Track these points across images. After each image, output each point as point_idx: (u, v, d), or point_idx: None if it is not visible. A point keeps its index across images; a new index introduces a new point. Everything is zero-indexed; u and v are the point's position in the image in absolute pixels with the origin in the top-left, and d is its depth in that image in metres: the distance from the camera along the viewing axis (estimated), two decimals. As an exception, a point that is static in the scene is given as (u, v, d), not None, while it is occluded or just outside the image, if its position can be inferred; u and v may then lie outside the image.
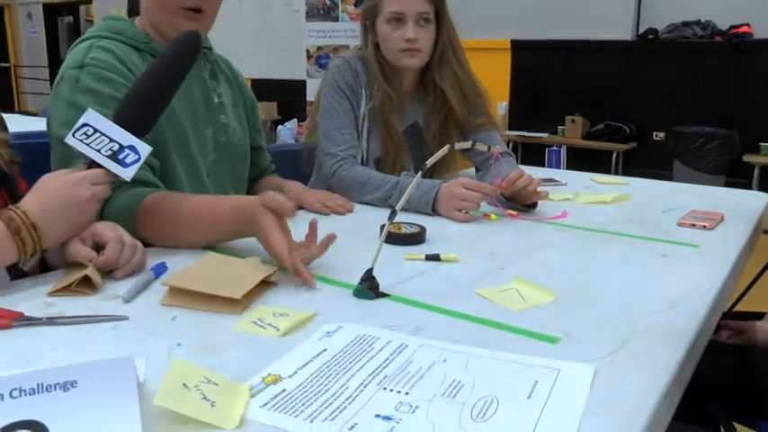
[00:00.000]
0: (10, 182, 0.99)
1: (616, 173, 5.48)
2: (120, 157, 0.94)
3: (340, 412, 0.58)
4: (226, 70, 1.42)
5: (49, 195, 0.89)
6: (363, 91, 1.59)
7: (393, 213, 0.93)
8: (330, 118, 1.57)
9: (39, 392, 0.54)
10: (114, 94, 1.10)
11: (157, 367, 0.65)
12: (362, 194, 1.47)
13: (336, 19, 5.32)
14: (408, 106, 1.66)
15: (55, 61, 10.55)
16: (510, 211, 1.37)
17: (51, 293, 0.86)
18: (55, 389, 0.54)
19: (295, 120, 7.03)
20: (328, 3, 5.34)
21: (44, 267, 1.00)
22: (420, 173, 0.97)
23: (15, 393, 0.53)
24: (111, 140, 0.94)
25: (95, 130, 0.93)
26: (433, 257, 1.05)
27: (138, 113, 0.97)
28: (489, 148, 1.15)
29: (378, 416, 0.58)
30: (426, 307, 0.85)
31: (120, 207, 1.06)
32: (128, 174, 0.95)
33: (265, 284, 0.90)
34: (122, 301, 0.84)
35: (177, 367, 0.61)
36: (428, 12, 1.54)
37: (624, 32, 5.70)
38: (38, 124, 1.75)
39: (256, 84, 5.99)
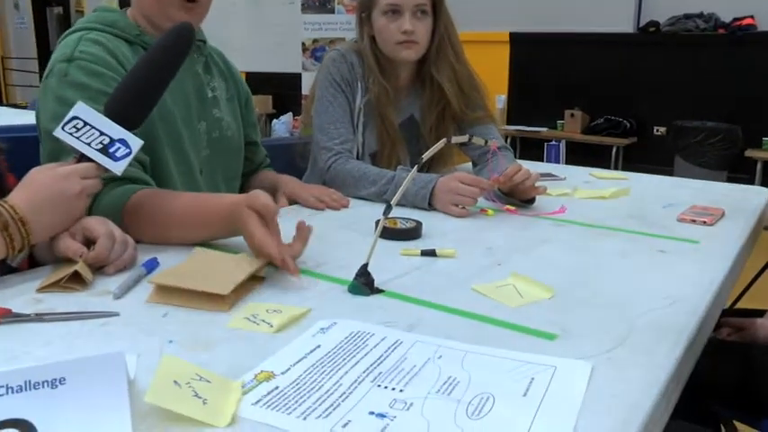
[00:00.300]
0: None
1: (616, 168, 5.43)
2: (111, 150, 0.92)
3: (333, 409, 0.57)
4: (220, 63, 1.40)
5: (37, 189, 0.87)
6: (359, 84, 1.58)
7: (388, 208, 0.92)
8: (325, 111, 1.56)
9: (26, 390, 0.53)
10: (104, 89, 1.08)
11: (148, 364, 0.64)
12: (358, 189, 1.46)
13: (332, 11, 5.28)
14: (404, 100, 1.65)
15: (44, 53, 10.41)
16: (507, 207, 1.36)
17: (40, 289, 0.84)
18: (43, 386, 0.53)
19: (290, 113, 6.99)
20: (324, -6, 5.31)
21: (33, 263, 0.98)
22: (416, 167, 0.96)
23: (2, 391, 0.52)
24: (102, 134, 0.92)
25: (85, 123, 0.92)
26: (429, 253, 1.04)
27: (128, 106, 0.96)
28: (486, 142, 1.14)
29: (372, 413, 0.57)
30: (422, 303, 0.84)
31: (108, 205, 1.04)
32: (118, 167, 0.93)
33: (255, 280, 0.89)
34: (113, 297, 0.83)
35: (168, 364, 0.60)
36: (425, 3, 1.52)
37: (625, 25, 5.65)
38: (27, 117, 1.73)
39: (251, 77, 5.97)
